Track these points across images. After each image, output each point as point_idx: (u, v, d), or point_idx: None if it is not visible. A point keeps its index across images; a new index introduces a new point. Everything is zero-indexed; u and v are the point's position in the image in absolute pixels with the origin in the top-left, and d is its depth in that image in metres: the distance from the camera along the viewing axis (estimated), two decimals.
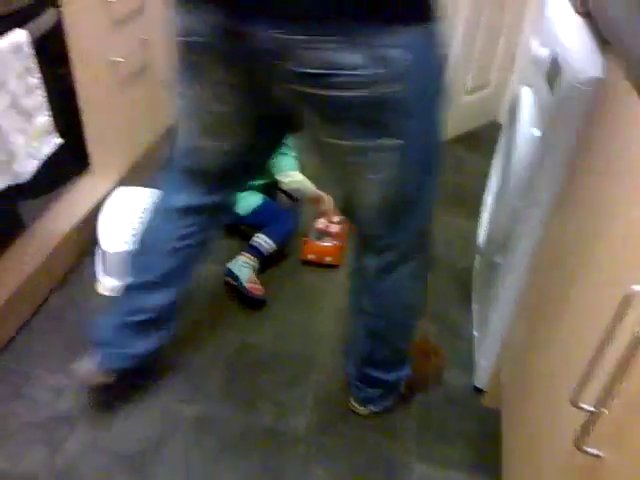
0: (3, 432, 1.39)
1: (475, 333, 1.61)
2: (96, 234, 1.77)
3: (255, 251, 1.86)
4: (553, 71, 1.22)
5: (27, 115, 1.33)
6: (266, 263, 1.88)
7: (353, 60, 0.91)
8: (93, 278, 1.79)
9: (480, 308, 1.64)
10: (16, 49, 1.27)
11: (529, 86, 1.47)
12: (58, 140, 1.46)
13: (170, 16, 1.05)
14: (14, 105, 1.28)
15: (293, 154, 1.95)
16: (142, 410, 1.46)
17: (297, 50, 0.91)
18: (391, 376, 1.44)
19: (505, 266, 1.45)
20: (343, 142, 1.03)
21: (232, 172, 1.27)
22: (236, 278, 1.81)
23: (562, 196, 1.20)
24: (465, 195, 2.29)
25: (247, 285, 1.79)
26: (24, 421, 1.41)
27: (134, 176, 2.05)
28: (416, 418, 1.51)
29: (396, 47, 0.92)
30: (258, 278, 1.82)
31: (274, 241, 1.87)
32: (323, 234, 1.94)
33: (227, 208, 1.43)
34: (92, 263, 1.83)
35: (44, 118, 1.39)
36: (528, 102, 1.39)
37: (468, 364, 1.64)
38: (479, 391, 1.57)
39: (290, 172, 1.92)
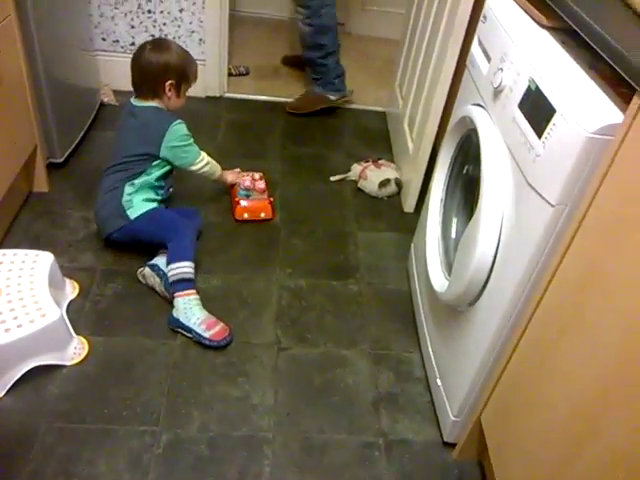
0: None
1: (438, 383, 1.43)
2: None
3: (185, 284, 1.56)
4: (537, 110, 1.00)
5: None
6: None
7: None
8: None
9: (439, 355, 1.45)
10: None
11: (481, 107, 1.27)
12: None
13: None
14: None
15: (193, 147, 1.76)
16: None
17: None
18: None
19: (474, 315, 1.27)
20: None
21: None
22: (189, 329, 1.51)
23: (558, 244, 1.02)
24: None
25: (209, 334, 1.50)
26: None
27: None
28: None
29: None
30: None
31: (189, 259, 1.59)
32: (251, 191, 1.93)
33: None
34: None
35: None
36: (491, 132, 1.19)
37: (427, 413, 1.48)
38: (446, 444, 1.41)
39: (198, 158, 1.77)
